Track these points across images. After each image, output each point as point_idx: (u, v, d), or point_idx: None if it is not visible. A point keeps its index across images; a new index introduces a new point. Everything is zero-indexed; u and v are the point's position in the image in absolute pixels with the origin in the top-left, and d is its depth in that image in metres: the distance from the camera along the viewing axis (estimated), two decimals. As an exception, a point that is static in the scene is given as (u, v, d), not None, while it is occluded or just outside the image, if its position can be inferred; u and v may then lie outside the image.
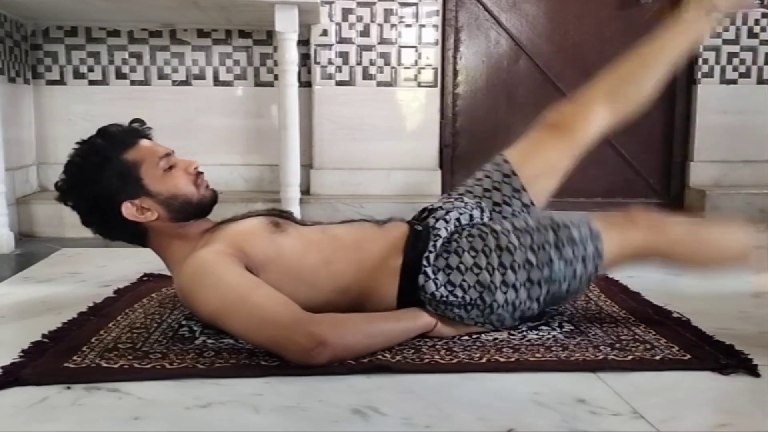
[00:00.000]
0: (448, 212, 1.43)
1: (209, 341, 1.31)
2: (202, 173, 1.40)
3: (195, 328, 1.38)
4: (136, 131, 1.39)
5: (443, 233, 1.37)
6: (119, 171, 1.32)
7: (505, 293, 1.32)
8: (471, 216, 1.44)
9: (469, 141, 2.94)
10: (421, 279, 1.31)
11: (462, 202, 1.49)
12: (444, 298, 1.30)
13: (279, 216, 1.45)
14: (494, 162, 1.58)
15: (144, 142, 1.38)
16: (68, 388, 1.11)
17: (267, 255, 1.31)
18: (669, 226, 1.42)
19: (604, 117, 1.56)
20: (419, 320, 1.31)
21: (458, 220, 1.41)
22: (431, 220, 1.42)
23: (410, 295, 1.33)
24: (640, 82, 1.57)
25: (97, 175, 1.31)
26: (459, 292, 1.31)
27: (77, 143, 1.36)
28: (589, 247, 1.35)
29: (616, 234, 1.38)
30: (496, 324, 1.36)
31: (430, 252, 1.33)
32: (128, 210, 1.33)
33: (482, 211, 1.48)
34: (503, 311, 1.33)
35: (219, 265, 1.25)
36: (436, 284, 1.31)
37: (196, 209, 1.38)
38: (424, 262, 1.32)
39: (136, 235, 1.39)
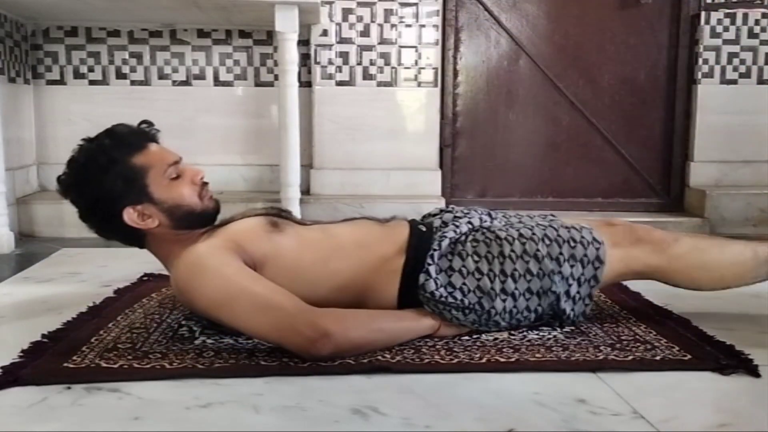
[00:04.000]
0: (456, 217, 1.43)
1: (209, 341, 1.30)
2: (207, 183, 1.39)
3: (195, 328, 1.38)
4: (146, 134, 1.36)
5: (450, 234, 1.37)
6: (125, 175, 1.29)
7: (504, 301, 1.32)
8: (480, 219, 1.44)
9: (469, 141, 2.94)
10: (422, 278, 1.31)
11: (475, 211, 1.48)
12: (443, 299, 1.30)
13: (278, 215, 1.45)
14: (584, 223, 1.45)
15: (153, 146, 1.35)
16: (68, 388, 1.11)
17: (265, 253, 1.31)
18: (672, 247, 1.41)
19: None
20: (422, 322, 1.31)
21: (470, 222, 1.41)
22: (436, 221, 1.42)
23: (410, 294, 1.33)
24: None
25: (102, 178, 1.29)
26: (458, 295, 1.31)
27: (83, 140, 1.33)
28: (588, 270, 1.35)
29: (619, 254, 1.39)
30: (492, 328, 1.36)
31: (435, 250, 1.33)
32: (130, 216, 1.31)
33: (492, 217, 1.47)
34: (499, 318, 1.33)
35: (217, 257, 1.25)
36: (436, 284, 1.31)
37: (198, 220, 1.37)
38: (428, 260, 1.32)
39: (133, 237, 1.38)
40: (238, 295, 1.21)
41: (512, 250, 1.33)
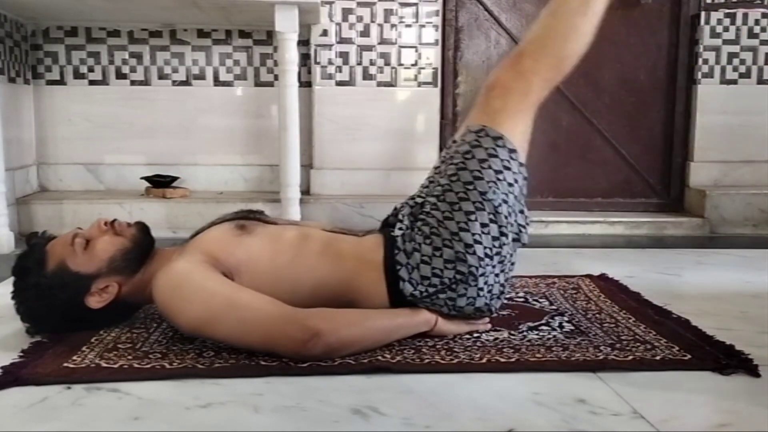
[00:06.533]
0: (402, 214, 1.40)
1: (209, 341, 1.30)
2: (114, 221, 1.38)
3: (195, 328, 1.38)
4: (38, 243, 1.36)
5: (397, 233, 1.35)
6: (57, 284, 1.29)
7: (474, 253, 1.29)
8: (413, 205, 1.41)
9: (469, 141, 2.94)
10: (400, 284, 1.31)
11: (409, 199, 1.46)
12: (425, 293, 1.30)
13: (246, 217, 1.44)
14: (461, 133, 1.46)
15: (49, 245, 1.34)
16: (68, 388, 1.11)
17: (238, 259, 1.31)
18: (526, 58, 1.43)
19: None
20: (417, 317, 1.31)
21: (411, 215, 1.38)
22: (397, 231, 1.38)
23: (400, 299, 1.33)
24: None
25: (46, 303, 1.30)
26: (436, 280, 1.30)
27: (11, 294, 1.32)
28: (502, 153, 1.34)
29: (509, 118, 1.38)
30: (488, 288, 1.33)
31: (397, 252, 1.32)
32: (94, 301, 1.32)
33: (420, 192, 1.44)
34: (483, 268, 1.30)
35: (197, 273, 1.25)
36: (412, 284, 1.30)
37: (139, 250, 1.36)
38: (397, 266, 1.31)
39: (124, 308, 1.38)
40: (224, 310, 1.20)
41: (443, 212, 1.32)
